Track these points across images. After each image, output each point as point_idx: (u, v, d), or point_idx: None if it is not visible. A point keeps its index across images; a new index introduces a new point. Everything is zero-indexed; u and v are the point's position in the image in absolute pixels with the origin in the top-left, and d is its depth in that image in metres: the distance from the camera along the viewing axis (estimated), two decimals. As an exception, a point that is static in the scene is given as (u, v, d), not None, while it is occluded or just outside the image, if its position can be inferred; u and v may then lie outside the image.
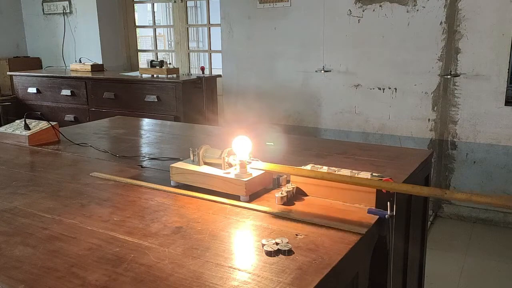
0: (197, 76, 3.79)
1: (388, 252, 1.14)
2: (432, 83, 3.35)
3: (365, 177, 1.17)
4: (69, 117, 4.14)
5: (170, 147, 1.91)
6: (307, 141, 2.18)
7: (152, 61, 3.90)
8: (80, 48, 4.94)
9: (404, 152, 1.70)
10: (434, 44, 3.28)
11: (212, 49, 4.77)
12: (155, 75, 3.80)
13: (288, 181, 1.30)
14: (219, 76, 4.14)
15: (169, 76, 3.75)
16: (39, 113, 2.31)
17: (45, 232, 1.05)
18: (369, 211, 1.12)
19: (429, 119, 3.42)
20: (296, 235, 1.01)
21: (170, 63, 3.87)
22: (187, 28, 4.76)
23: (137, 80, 3.80)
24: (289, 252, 0.92)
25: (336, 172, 1.21)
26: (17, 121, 2.00)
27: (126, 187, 1.34)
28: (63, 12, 4.94)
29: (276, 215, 1.11)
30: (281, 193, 1.19)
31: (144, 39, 7.36)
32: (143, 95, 3.72)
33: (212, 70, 4.77)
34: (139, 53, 5.21)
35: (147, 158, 1.66)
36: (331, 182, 1.21)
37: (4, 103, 4.45)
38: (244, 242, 1.02)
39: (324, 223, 1.06)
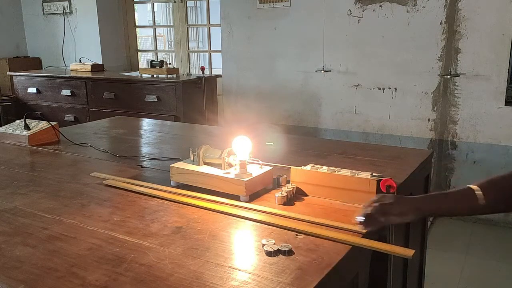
0: (197, 76, 3.79)
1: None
2: (432, 83, 3.35)
3: (365, 177, 1.17)
4: (69, 117, 4.14)
5: (170, 147, 1.91)
6: (307, 141, 2.18)
7: (152, 61, 3.89)
8: (80, 48, 4.94)
9: (404, 152, 1.70)
10: (434, 44, 3.28)
11: (212, 49, 4.77)
12: (155, 75, 3.80)
13: (288, 181, 1.30)
14: (219, 76, 4.14)
15: (169, 76, 3.74)
16: (39, 113, 2.31)
17: (45, 232, 1.05)
18: (369, 211, 1.11)
19: (429, 119, 3.41)
20: (296, 235, 1.01)
21: (170, 63, 3.87)
22: (187, 28, 4.76)
23: (137, 80, 3.80)
24: (289, 252, 0.92)
25: (336, 172, 1.21)
26: (17, 121, 2.00)
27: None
28: (63, 12, 4.93)
29: (276, 215, 1.11)
30: (281, 193, 1.19)
31: (144, 39, 7.36)
32: (143, 95, 3.72)
33: (212, 70, 4.77)
34: (139, 53, 5.21)
35: (147, 158, 1.66)
36: (331, 182, 1.21)
37: (4, 103, 4.45)
38: (244, 242, 1.02)
39: (324, 223, 1.06)
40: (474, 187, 1.01)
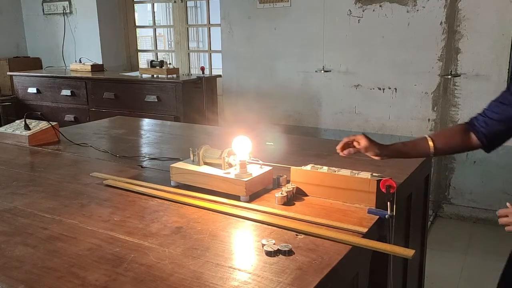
0: (197, 76, 3.78)
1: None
2: (432, 83, 3.35)
3: (365, 177, 1.17)
4: (69, 117, 4.14)
5: (170, 147, 1.91)
6: (307, 141, 2.18)
7: (152, 61, 3.89)
8: (80, 48, 4.94)
9: (404, 152, 1.69)
10: (434, 44, 3.28)
11: (212, 49, 4.77)
12: (155, 75, 3.80)
13: (288, 181, 1.30)
14: (219, 76, 4.14)
15: (169, 76, 3.74)
16: (39, 113, 2.31)
17: (45, 232, 1.05)
18: (369, 211, 1.12)
19: (429, 119, 3.41)
20: (296, 235, 1.01)
21: (170, 63, 3.87)
22: (187, 28, 4.76)
23: (137, 80, 3.80)
24: (289, 252, 0.92)
25: (336, 172, 1.21)
26: (17, 121, 2.00)
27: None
28: (63, 12, 4.93)
29: (276, 215, 1.11)
30: (281, 193, 1.19)
31: (144, 39, 7.35)
32: (143, 95, 3.72)
33: (212, 70, 4.76)
34: (139, 53, 5.21)
35: (147, 158, 1.66)
36: (331, 182, 1.21)
37: (4, 103, 4.45)
38: (244, 242, 1.02)
39: (324, 223, 1.06)
40: (429, 139, 1.28)
